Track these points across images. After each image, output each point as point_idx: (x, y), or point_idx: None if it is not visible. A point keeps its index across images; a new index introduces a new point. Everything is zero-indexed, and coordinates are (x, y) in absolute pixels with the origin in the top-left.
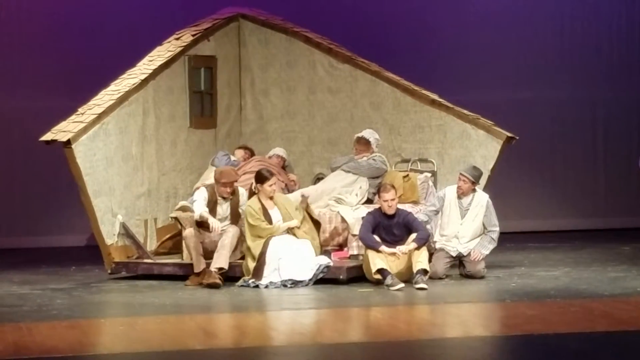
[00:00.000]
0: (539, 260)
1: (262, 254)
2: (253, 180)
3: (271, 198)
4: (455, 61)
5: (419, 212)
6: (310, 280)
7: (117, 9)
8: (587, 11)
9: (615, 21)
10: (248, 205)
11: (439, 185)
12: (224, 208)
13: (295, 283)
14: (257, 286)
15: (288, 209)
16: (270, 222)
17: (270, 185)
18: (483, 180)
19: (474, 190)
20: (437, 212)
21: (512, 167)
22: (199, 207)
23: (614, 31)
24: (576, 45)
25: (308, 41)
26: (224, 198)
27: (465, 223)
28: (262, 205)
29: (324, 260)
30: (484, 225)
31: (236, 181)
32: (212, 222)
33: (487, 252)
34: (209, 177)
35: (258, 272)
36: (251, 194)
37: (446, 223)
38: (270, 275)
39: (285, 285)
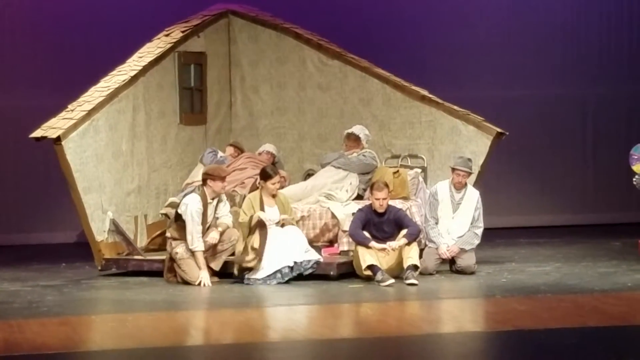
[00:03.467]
0: (529, 256)
1: (261, 248)
2: (258, 176)
3: (273, 196)
4: (445, 58)
5: (428, 223)
6: (301, 263)
7: (107, 6)
8: (578, 8)
9: (605, 18)
10: (247, 198)
11: (429, 181)
12: (211, 210)
13: (295, 268)
14: (248, 283)
15: (287, 210)
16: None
17: (274, 184)
18: (473, 176)
19: (465, 185)
20: (437, 206)
21: (502, 162)
22: (196, 239)
23: (603, 28)
24: (566, 42)
25: (298, 37)
26: (212, 199)
27: (457, 217)
28: (261, 201)
29: (314, 255)
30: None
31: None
32: (204, 277)
33: (467, 248)
34: (199, 174)
35: (256, 268)
36: (253, 189)
37: (438, 218)
38: (267, 268)
39: (281, 274)
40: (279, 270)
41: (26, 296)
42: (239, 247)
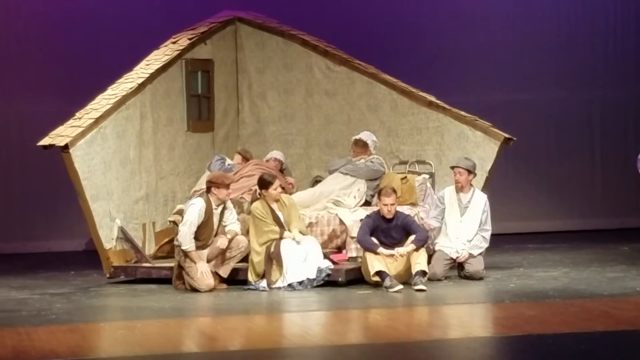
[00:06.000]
0: (537, 261)
1: (275, 256)
2: (257, 188)
3: (277, 201)
4: (452, 63)
5: (429, 220)
6: (314, 280)
7: (114, 13)
8: (583, 11)
9: (611, 20)
10: (255, 208)
11: (437, 187)
12: (217, 217)
13: (306, 282)
14: (264, 290)
15: (292, 214)
16: (279, 223)
17: (275, 189)
18: (481, 182)
19: (471, 186)
20: (443, 210)
21: (509, 168)
22: (189, 240)
23: (609, 31)
24: (572, 45)
25: (305, 44)
26: (217, 206)
27: (464, 221)
28: (270, 207)
29: (327, 263)
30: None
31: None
32: (202, 268)
33: (476, 252)
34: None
35: (269, 274)
36: (253, 200)
37: (446, 223)
38: (285, 277)
39: (294, 286)
40: (291, 284)
41: (35, 304)
42: (256, 249)
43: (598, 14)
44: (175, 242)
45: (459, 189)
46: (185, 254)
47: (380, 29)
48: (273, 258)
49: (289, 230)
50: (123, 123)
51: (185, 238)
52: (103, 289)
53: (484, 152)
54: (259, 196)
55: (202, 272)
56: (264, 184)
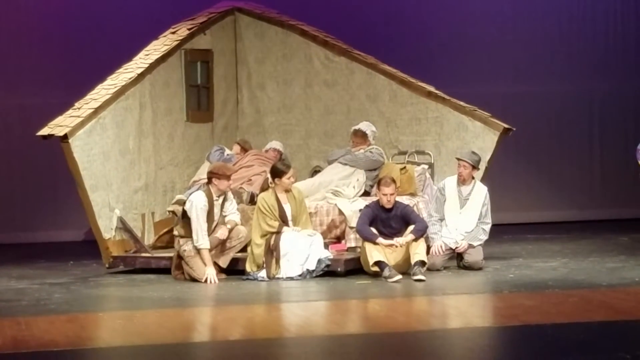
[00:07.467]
0: (536, 252)
1: (274, 248)
2: (269, 176)
3: (287, 191)
4: (452, 54)
5: (431, 218)
6: (313, 271)
7: (114, 3)
8: (584, 5)
9: (611, 15)
10: (261, 199)
11: (436, 177)
12: (218, 208)
13: (305, 273)
14: (262, 280)
15: (300, 210)
16: (284, 217)
17: (289, 178)
18: (480, 172)
19: (473, 179)
20: (444, 202)
21: (509, 158)
22: (201, 236)
23: (610, 25)
24: (573, 38)
25: (304, 34)
26: (218, 197)
27: (464, 213)
28: (278, 200)
29: (326, 253)
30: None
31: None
32: (210, 273)
33: (476, 244)
34: (205, 172)
35: (269, 266)
36: (264, 187)
37: (446, 214)
38: (282, 268)
39: (293, 277)
40: (291, 277)
41: (34, 294)
42: (257, 241)
43: (599, 9)
44: (175, 233)
45: (461, 182)
46: (198, 251)
47: (380, 20)
48: (273, 250)
49: (295, 226)
50: (122, 113)
51: (198, 235)
52: (102, 279)
53: (483, 142)
54: (270, 185)
55: (208, 277)
56: (277, 172)
